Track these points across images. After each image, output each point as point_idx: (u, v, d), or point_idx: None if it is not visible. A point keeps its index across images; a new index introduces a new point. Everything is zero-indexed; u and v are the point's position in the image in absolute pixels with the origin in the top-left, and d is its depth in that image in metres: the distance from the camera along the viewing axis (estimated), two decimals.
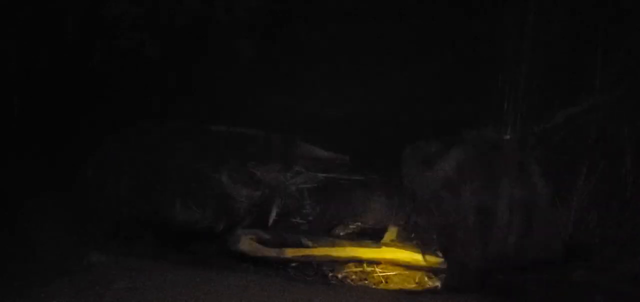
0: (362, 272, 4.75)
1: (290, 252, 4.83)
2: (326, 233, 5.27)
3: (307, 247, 4.89)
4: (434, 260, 4.72)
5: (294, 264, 4.80)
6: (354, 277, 4.70)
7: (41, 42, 5.48)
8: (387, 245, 4.94)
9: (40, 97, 5.43)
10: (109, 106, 5.60)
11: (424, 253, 4.74)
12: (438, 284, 4.57)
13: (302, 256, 4.82)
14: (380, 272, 4.72)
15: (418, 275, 4.69)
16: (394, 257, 4.77)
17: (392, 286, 4.55)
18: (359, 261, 4.84)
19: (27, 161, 5.20)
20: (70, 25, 5.51)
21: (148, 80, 5.67)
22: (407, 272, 4.74)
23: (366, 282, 4.63)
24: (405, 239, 5.06)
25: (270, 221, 5.29)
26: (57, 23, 5.49)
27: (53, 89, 5.47)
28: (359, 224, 5.42)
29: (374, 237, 5.14)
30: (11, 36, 5.32)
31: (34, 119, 5.35)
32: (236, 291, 4.19)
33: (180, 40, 5.71)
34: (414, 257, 4.75)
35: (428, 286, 4.57)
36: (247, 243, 4.87)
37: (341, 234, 5.31)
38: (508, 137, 5.26)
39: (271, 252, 4.86)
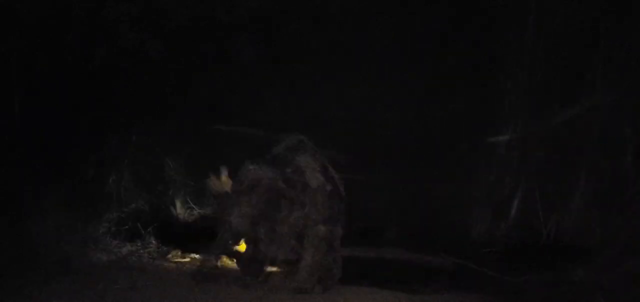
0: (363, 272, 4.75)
1: None
2: None
3: None
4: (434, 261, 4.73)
5: None
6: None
7: (42, 41, 5.47)
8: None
9: (41, 97, 5.41)
10: (109, 106, 5.60)
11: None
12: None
13: None
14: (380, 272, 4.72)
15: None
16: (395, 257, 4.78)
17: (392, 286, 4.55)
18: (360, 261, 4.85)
19: (28, 160, 5.19)
20: (71, 25, 5.50)
21: (148, 80, 5.66)
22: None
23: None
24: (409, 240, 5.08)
25: None
26: (57, 23, 5.48)
27: (54, 88, 5.45)
28: (360, 224, 5.42)
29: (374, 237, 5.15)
30: (12, 36, 5.31)
31: (35, 119, 5.34)
32: (237, 291, 4.20)
33: (180, 40, 5.70)
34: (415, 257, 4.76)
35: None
36: None
37: None
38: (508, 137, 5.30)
39: None
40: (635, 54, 4.74)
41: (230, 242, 4.48)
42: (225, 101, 5.63)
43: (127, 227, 5.15)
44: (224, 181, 4.73)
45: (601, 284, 4.18)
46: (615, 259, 4.39)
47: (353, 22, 5.76)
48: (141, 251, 4.97)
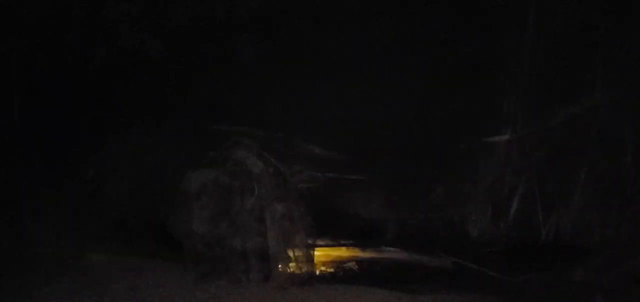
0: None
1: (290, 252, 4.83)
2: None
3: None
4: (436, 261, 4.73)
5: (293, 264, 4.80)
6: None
7: (42, 41, 5.48)
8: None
9: (41, 97, 5.42)
10: (109, 106, 5.60)
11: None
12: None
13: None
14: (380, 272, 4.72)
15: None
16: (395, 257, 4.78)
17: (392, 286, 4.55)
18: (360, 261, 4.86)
19: (28, 160, 5.20)
20: (71, 25, 5.50)
21: (148, 80, 5.66)
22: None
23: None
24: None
25: None
26: (57, 23, 5.49)
27: (54, 88, 5.46)
28: (359, 224, 5.42)
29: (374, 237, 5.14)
30: (12, 36, 5.32)
31: (35, 119, 5.35)
32: (237, 290, 4.20)
33: (180, 40, 5.70)
34: (414, 257, 4.76)
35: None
36: None
37: None
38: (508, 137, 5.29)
39: None
40: (635, 54, 4.74)
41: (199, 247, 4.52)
42: (226, 101, 5.62)
43: (127, 227, 5.14)
44: None
45: (601, 284, 4.18)
46: (615, 259, 4.39)
47: (353, 22, 5.75)
48: (141, 251, 4.97)
